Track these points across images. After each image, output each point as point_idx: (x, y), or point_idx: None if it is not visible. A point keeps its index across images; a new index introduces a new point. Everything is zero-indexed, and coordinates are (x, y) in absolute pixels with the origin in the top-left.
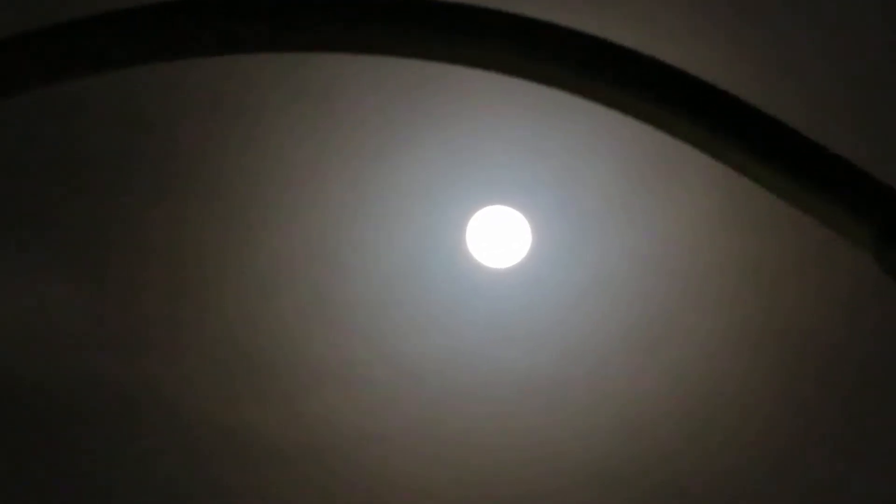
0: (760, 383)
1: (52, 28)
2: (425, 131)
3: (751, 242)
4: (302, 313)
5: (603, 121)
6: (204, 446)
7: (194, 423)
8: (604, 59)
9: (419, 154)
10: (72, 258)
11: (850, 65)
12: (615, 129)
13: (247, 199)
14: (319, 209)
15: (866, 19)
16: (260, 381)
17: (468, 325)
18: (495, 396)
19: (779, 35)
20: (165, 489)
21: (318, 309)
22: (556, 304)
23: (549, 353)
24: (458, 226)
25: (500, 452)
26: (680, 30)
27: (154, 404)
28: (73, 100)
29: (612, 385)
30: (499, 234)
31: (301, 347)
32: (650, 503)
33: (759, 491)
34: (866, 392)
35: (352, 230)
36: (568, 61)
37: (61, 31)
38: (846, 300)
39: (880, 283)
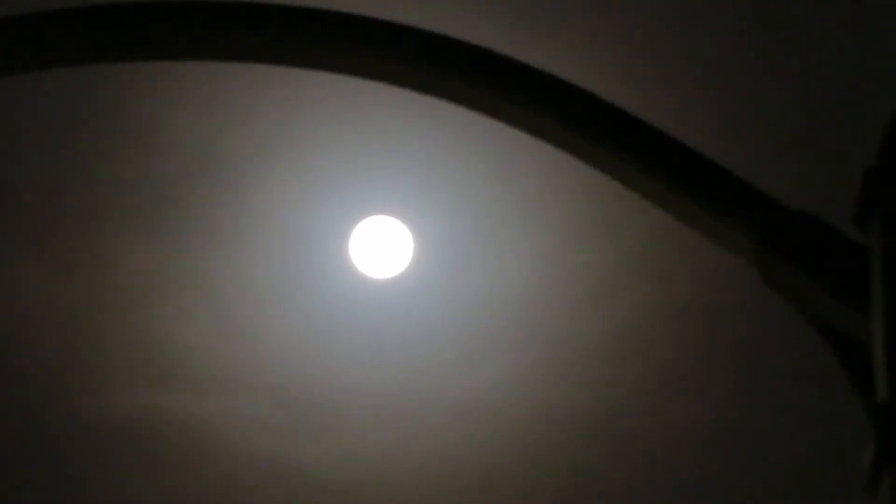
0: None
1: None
2: (306, 142)
3: (627, 242)
4: (199, 323)
5: (485, 131)
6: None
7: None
8: (472, 62)
9: (300, 164)
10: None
11: (719, 74)
12: (497, 139)
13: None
14: (196, 225)
15: (737, 33)
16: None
17: (350, 335)
18: (376, 405)
19: (652, 46)
20: None
21: (207, 319)
22: (438, 314)
23: (430, 362)
24: (340, 237)
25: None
26: (556, 42)
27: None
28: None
29: (499, 391)
30: (381, 244)
31: (186, 350)
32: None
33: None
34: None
35: (231, 245)
36: (436, 63)
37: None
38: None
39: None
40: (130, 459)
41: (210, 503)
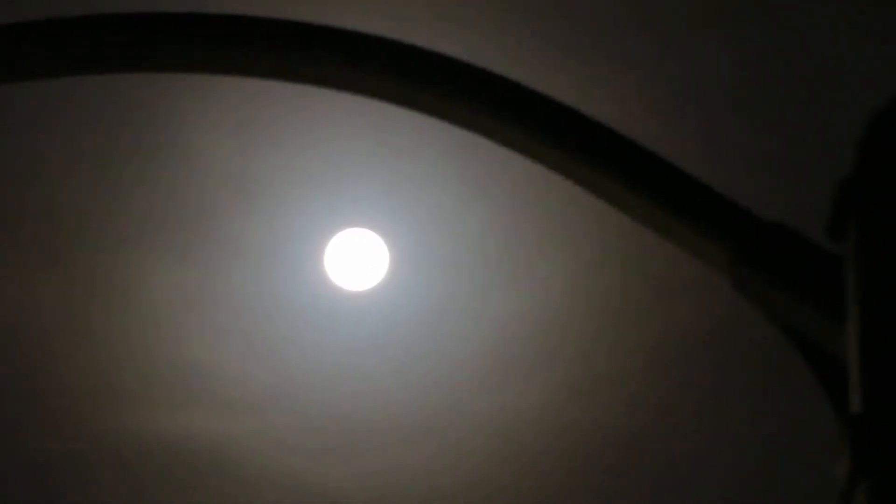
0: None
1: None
2: (283, 155)
3: (602, 274)
4: (192, 342)
5: (461, 145)
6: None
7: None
8: (451, 77)
9: (277, 176)
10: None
11: (699, 87)
12: (473, 154)
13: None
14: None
15: (717, 45)
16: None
17: (324, 348)
18: (355, 419)
19: (630, 60)
20: None
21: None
22: (414, 326)
23: (402, 375)
24: (316, 249)
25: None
26: (535, 55)
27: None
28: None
29: (472, 405)
30: (357, 257)
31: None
32: None
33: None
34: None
35: (210, 258)
36: (412, 76)
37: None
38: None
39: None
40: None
41: None
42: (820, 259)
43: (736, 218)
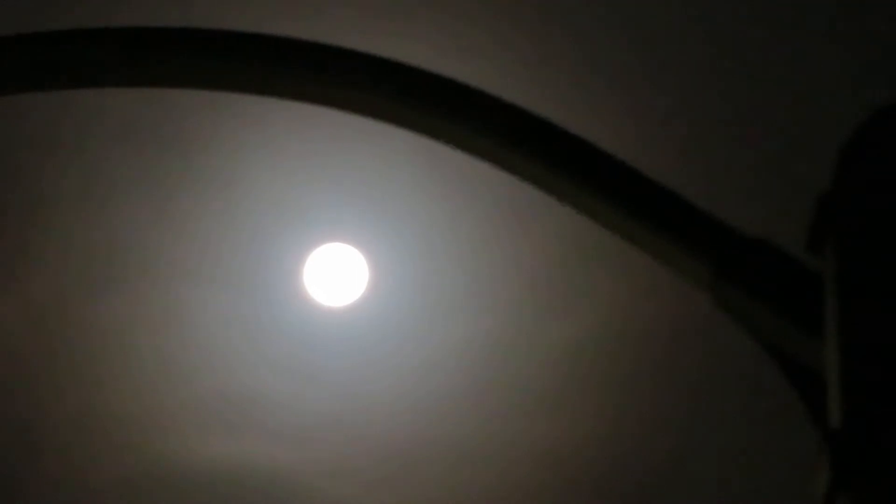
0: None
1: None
2: (258, 169)
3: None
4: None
5: (441, 158)
6: None
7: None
8: (420, 87)
9: (253, 192)
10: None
11: (683, 101)
12: (451, 167)
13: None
14: (155, 256)
15: (700, 61)
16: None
17: (304, 365)
18: (319, 435)
19: (615, 73)
20: None
21: (157, 360)
22: (393, 342)
23: (376, 393)
24: (294, 265)
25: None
26: (516, 66)
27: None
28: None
29: (452, 423)
30: (336, 272)
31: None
32: None
33: None
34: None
35: (186, 275)
36: (396, 92)
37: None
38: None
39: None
40: None
41: None
42: (801, 275)
43: (717, 233)
